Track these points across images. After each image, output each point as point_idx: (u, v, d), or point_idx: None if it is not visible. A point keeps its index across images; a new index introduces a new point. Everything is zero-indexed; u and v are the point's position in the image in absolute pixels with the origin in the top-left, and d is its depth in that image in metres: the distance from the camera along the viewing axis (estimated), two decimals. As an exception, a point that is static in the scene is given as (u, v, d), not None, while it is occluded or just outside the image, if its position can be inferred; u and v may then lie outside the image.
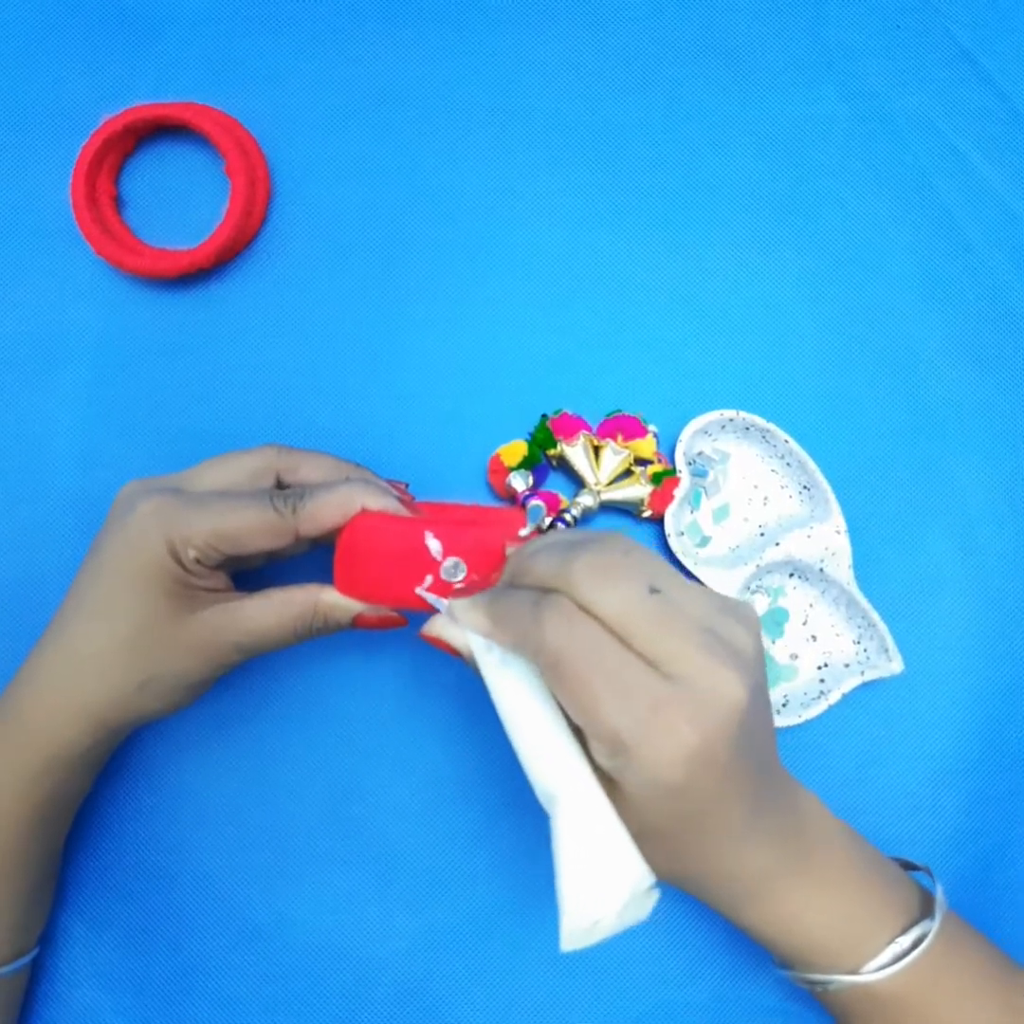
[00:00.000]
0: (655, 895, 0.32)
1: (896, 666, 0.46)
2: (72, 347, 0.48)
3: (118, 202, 0.49)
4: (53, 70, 0.49)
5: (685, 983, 0.46)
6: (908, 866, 0.40)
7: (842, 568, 0.47)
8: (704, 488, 0.48)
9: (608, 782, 0.32)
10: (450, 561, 0.38)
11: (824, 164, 0.50)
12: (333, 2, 0.50)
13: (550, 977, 0.45)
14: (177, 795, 0.46)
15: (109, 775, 0.46)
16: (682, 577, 0.33)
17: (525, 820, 0.46)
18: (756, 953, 0.46)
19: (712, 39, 0.51)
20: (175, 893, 0.46)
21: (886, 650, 0.46)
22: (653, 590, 0.32)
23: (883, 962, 0.35)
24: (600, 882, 0.31)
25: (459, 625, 0.36)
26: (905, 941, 0.36)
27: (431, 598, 0.38)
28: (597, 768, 0.32)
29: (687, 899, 0.46)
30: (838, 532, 0.47)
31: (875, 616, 0.47)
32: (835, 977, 0.36)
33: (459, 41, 0.50)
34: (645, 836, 0.33)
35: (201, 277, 0.48)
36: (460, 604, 0.36)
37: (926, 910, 0.37)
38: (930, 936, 0.36)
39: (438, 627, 0.37)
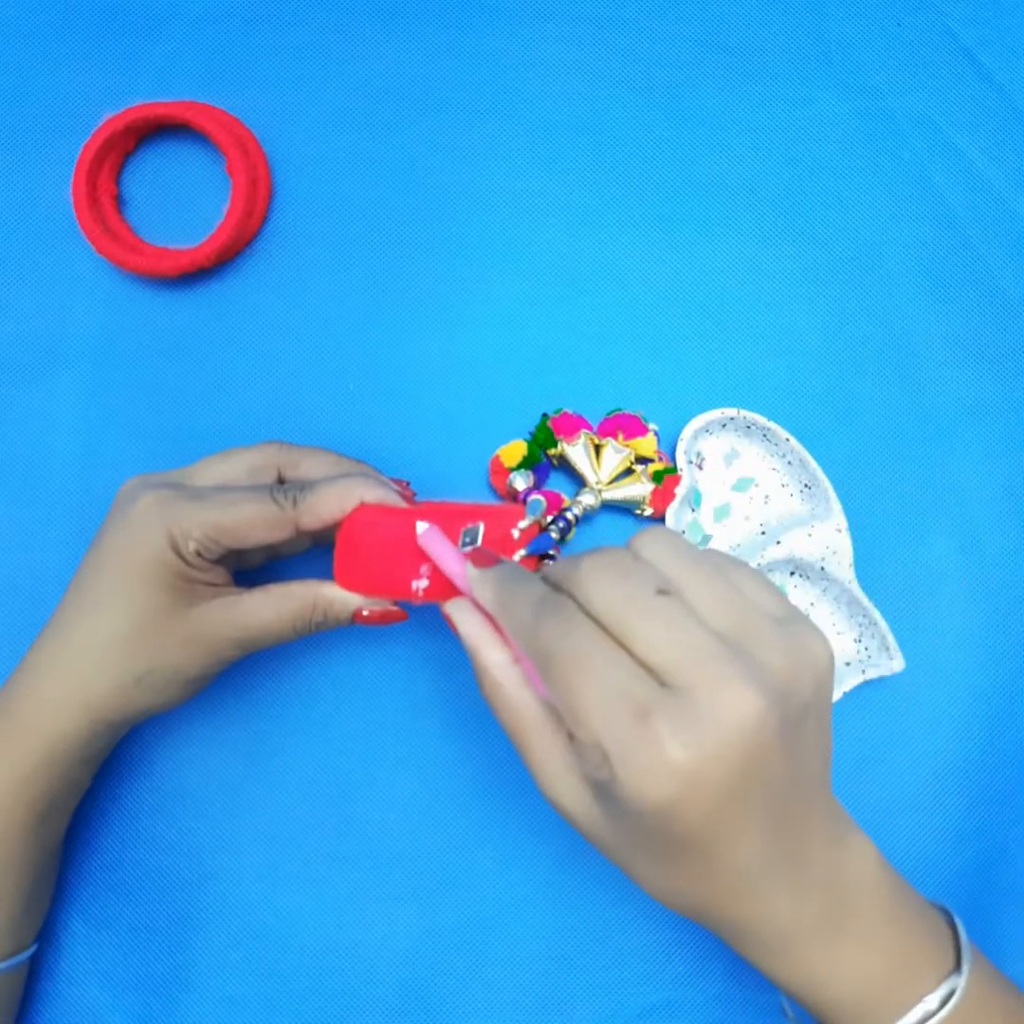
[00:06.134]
0: None
1: (897, 664, 0.46)
2: (73, 346, 0.48)
3: (119, 201, 0.49)
4: (53, 70, 0.49)
5: (687, 982, 0.46)
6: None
7: (843, 566, 0.47)
8: (699, 473, 0.48)
9: (600, 793, 0.30)
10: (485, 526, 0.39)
11: (824, 161, 0.50)
12: (333, 1, 0.50)
13: (552, 976, 0.45)
14: (178, 794, 0.46)
15: (110, 774, 0.46)
16: (729, 584, 0.30)
17: (527, 818, 0.46)
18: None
19: (713, 36, 0.51)
20: (176, 892, 0.46)
21: (887, 648, 0.46)
22: (661, 592, 0.29)
23: (910, 1023, 0.33)
24: None
25: (471, 622, 0.35)
26: (933, 1000, 0.33)
27: (446, 556, 0.37)
28: (587, 778, 0.30)
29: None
30: (839, 530, 0.47)
31: (876, 614, 0.47)
32: None
33: (459, 40, 0.50)
34: (642, 853, 0.31)
35: (202, 276, 0.48)
36: (476, 573, 0.35)
37: (960, 960, 0.35)
38: (957, 994, 0.33)
39: (458, 613, 0.36)
